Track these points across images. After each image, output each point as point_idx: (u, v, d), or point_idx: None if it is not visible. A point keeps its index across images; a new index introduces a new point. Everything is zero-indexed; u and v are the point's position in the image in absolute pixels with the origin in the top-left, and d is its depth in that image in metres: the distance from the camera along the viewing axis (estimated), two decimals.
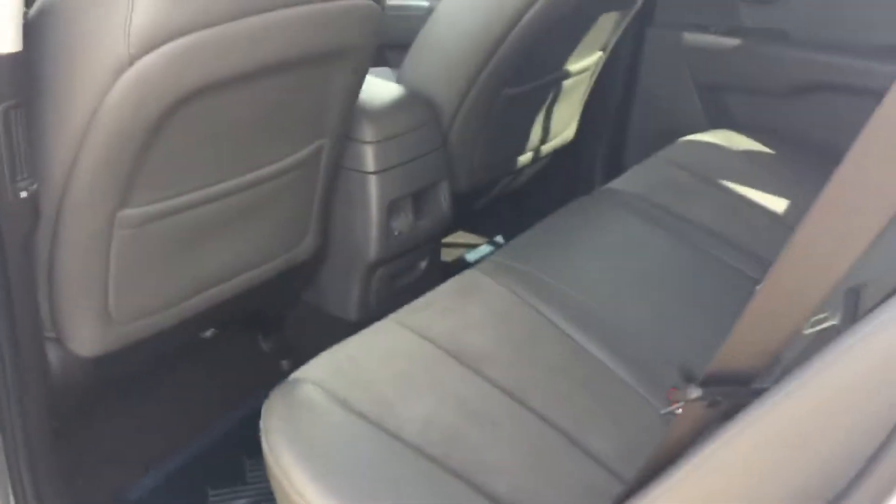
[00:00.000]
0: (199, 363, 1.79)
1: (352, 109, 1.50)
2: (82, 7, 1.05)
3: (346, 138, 1.57)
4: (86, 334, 1.27)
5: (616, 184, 1.77)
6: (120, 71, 1.04)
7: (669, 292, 1.45)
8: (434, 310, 1.29)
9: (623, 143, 2.40)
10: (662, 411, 0.74)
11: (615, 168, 2.23)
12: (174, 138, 1.16)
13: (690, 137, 1.97)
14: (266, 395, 1.12)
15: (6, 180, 1.03)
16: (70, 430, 1.43)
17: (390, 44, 2.17)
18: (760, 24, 2.11)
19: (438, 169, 1.78)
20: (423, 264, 1.86)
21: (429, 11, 2.01)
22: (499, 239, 2.49)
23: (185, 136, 1.18)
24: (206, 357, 1.81)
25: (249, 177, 1.34)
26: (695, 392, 0.67)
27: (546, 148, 2.15)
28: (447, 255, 2.24)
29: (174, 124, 1.14)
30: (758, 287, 0.65)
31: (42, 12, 1.08)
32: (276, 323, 1.88)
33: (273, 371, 1.79)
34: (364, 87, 1.49)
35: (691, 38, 2.18)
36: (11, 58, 0.98)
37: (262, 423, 1.07)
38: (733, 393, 0.68)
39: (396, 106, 1.72)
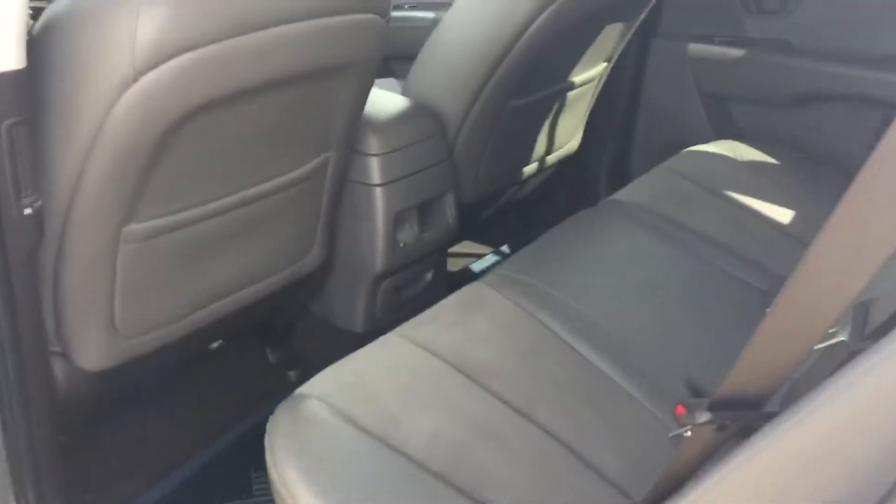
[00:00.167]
0: (205, 374, 1.78)
1: (357, 122, 1.50)
2: (88, 22, 1.04)
3: (351, 151, 1.57)
4: (91, 349, 1.27)
5: (621, 195, 1.77)
6: (125, 86, 1.04)
7: (675, 303, 1.45)
8: (439, 323, 1.29)
9: (628, 153, 2.40)
10: (671, 434, 0.73)
11: (620, 178, 2.23)
12: (180, 153, 1.16)
13: (695, 148, 1.97)
14: (274, 406, 1.12)
15: (10, 197, 1.03)
16: (76, 444, 1.43)
17: (396, 55, 2.17)
18: (765, 35, 2.11)
19: (444, 180, 1.78)
20: (429, 275, 1.86)
21: (434, 23, 2.01)
22: (504, 249, 2.49)
23: (190, 150, 1.18)
24: (213, 368, 1.80)
25: (255, 190, 1.34)
26: (704, 416, 0.66)
27: (551, 158, 2.16)
28: (453, 266, 2.24)
29: (180, 139, 1.14)
30: (768, 310, 0.63)
31: (48, 27, 1.08)
32: (283, 334, 1.88)
33: (280, 382, 1.79)
34: (369, 99, 1.49)
35: (696, 48, 2.18)
36: (15, 75, 0.98)
37: (266, 439, 1.07)
38: (744, 417, 0.67)
39: (402, 118, 1.72)
